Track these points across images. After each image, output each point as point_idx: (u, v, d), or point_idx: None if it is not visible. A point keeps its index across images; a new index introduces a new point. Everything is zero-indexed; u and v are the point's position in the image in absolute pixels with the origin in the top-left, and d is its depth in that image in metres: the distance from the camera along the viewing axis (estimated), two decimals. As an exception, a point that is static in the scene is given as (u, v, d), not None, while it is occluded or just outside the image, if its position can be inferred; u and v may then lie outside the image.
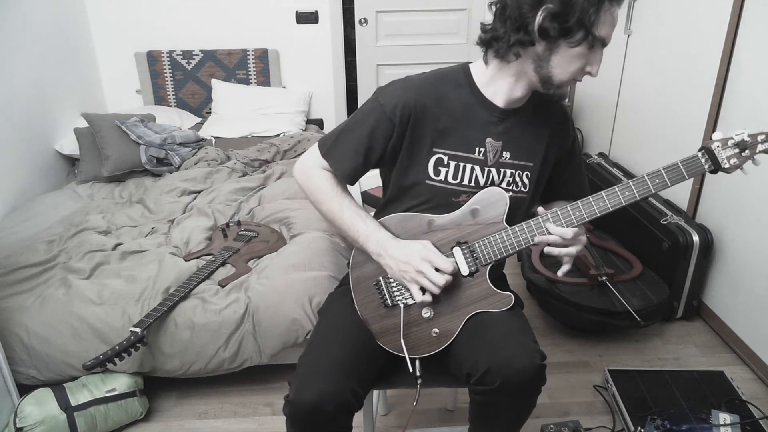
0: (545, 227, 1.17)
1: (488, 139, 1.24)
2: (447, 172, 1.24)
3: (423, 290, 1.20)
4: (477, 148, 1.24)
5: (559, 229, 1.16)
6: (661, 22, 2.58)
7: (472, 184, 1.25)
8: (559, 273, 1.25)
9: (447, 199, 1.25)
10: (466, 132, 1.23)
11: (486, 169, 1.25)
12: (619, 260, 2.38)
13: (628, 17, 2.82)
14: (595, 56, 1.14)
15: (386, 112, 1.21)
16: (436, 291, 1.18)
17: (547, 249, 1.20)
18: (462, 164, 1.24)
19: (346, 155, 1.26)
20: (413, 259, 1.18)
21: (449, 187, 1.24)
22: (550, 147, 1.30)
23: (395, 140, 1.23)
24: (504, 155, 1.25)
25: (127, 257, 2.11)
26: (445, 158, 1.23)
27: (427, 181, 1.24)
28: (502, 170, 1.26)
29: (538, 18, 1.09)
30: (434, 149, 1.23)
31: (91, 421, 1.73)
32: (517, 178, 1.27)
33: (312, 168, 1.30)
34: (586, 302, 2.10)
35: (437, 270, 1.18)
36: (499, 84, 1.22)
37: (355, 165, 1.26)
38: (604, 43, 1.13)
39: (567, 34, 1.10)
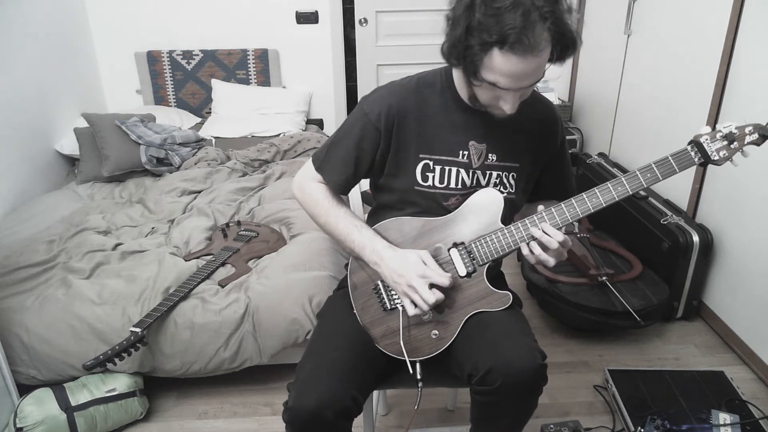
0: (540, 226, 1.17)
1: (471, 142, 1.24)
2: (433, 177, 1.24)
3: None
4: (461, 152, 1.24)
5: (553, 231, 1.15)
6: (661, 22, 2.58)
7: (459, 186, 1.25)
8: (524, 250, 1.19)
9: (437, 203, 1.25)
10: (449, 136, 1.23)
11: (471, 171, 1.25)
12: (619, 260, 2.38)
13: (628, 17, 2.82)
14: (505, 93, 1.09)
15: (371, 121, 1.22)
16: (426, 308, 1.17)
17: (526, 252, 1.18)
18: (447, 168, 1.24)
19: (337, 167, 1.27)
20: (408, 273, 1.17)
21: (437, 191, 1.25)
22: (540, 148, 1.30)
23: (383, 147, 1.24)
24: (490, 157, 1.25)
25: (127, 257, 2.11)
26: (431, 163, 1.24)
27: (415, 187, 1.25)
28: (488, 172, 1.26)
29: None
30: (420, 155, 1.23)
31: (91, 421, 1.73)
32: (505, 180, 1.27)
33: (308, 183, 1.31)
34: (586, 302, 2.10)
35: (432, 285, 1.17)
36: (466, 90, 1.21)
37: (346, 176, 1.27)
38: (501, 86, 1.06)
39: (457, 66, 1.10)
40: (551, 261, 1.17)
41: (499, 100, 1.12)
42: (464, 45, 1.04)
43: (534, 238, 1.16)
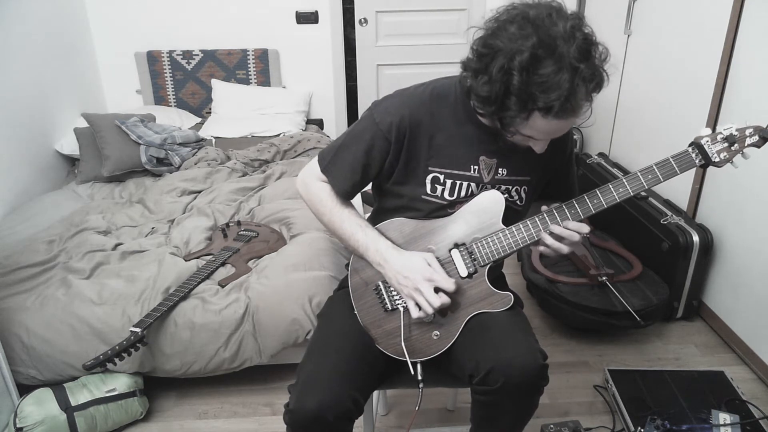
0: (542, 227, 1.17)
1: (482, 157, 1.23)
2: (443, 190, 1.24)
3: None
4: (471, 166, 1.23)
5: (558, 228, 1.16)
6: (661, 22, 2.58)
7: (469, 197, 1.25)
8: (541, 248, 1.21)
9: (443, 212, 1.25)
10: (460, 150, 1.23)
11: (482, 185, 1.24)
12: (619, 260, 2.38)
13: (628, 17, 2.82)
14: (536, 140, 1.12)
15: (382, 130, 1.20)
16: (430, 311, 1.17)
17: (543, 249, 1.19)
18: (458, 182, 1.23)
19: (344, 173, 1.26)
20: (413, 276, 1.17)
21: (446, 203, 1.24)
22: (550, 161, 1.29)
23: (392, 157, 1.23)
24: (500, 172, 1.25)
25: (127, 257, 2.11)
26: (441, 177, 1.23)
27: (423, 197, 1.24)
28: (498, 186, 1.25)
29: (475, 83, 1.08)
30: (430, 168, 1.23)
31: (91, 421, 1.73)
32: (514, 193, 1.27)
33: (312, 180, 1.30)
34: (586, 302, 2.10)
35: (437, 289, 1.17)
36: (491, 124, 1.20)
37: (353, 182, 1.26)
38: (536, 138, 1.10)
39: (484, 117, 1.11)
40: (564, 248, 1.17)
41: (529, 142, 1.13)
42: (501, 105, 1.04)
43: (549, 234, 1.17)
